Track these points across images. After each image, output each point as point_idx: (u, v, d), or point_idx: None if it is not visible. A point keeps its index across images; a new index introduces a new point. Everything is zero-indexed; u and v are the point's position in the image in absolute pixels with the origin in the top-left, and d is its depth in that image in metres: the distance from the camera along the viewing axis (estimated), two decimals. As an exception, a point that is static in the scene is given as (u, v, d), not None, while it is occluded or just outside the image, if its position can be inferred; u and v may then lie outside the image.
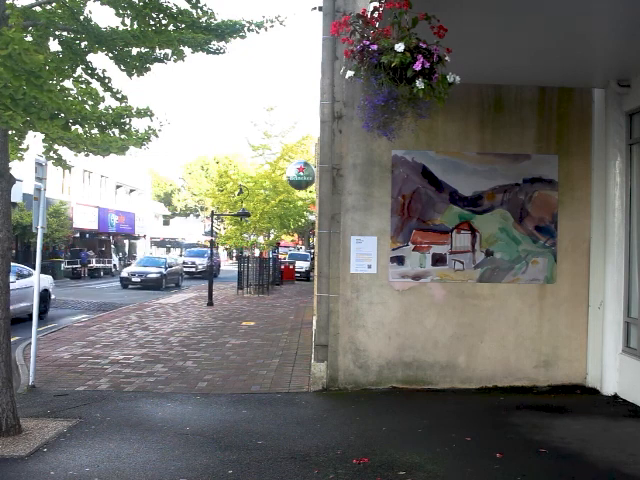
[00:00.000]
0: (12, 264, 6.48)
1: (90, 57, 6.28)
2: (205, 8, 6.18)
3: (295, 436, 5.85)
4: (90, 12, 5.97)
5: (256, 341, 11.74)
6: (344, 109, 7.79)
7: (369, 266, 7.81)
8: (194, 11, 6.13)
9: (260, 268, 25.13)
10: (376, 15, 5.11)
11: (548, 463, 5.23)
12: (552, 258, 7.99)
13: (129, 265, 36.01)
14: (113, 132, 6.23)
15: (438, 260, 7.90)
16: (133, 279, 28.22)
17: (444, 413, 6.77)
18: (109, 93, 6.38)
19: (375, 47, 4.70)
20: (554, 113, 8.02)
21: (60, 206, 33.88)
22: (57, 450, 5.36)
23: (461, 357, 7.87)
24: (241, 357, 10.03)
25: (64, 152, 6.44)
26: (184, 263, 38.15)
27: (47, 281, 15.84)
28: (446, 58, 4.75)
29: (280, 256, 37.06)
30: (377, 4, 5.10)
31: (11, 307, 6.05)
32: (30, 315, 11.43)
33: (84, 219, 38.72)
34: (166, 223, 67.74)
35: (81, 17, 5.87)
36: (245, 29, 6.47)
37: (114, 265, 40.97)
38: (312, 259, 33.50)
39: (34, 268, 8.39)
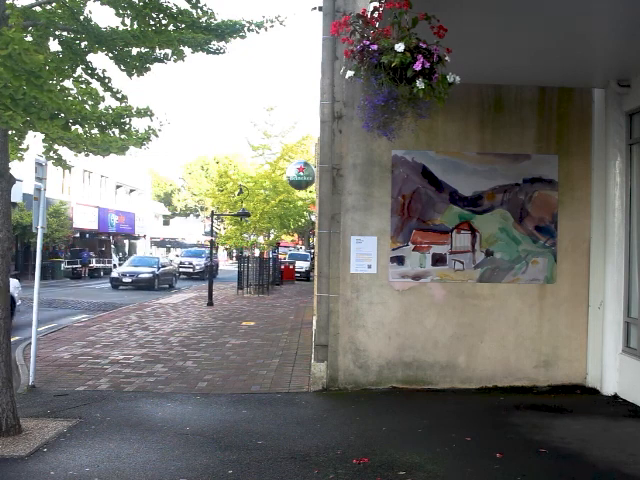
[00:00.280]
0: None
1: (90, 57, 6.29)
2: (205, 8, 6.18)
3: (295, 436, 5.85)
4: (90, 12, 5.97)
5: (256, 341, 11.74)
6: (344, 109, 7.79)
7: (369, 266, 7.81)
8: (194, 11, 6.13)
9: (260, 268, 25.13)
10: (376, 15, 5.11)
11: (548, 463, 5.23)
12: (552, 258, 7.99)
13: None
14: (113, 132, 6.23)
15: (438, 260, 7.90)
16: (124, 279, 27.17)
17: (444, 413, 6.77)
18: (109, 93, 6.38)
19: (375, 47, 4.70)
20: (554, 113, 8.02)
21: (60, 206, 33.88)
22: (57, 450, 5.36)
23: (461, 357, 7.87)
24: (241, 357, 10.03)
25: (64, 152, 6.44)
26: (181, 263, 37.70)
27: (12, 285, 15.29)
28: (446, 58, 4.75)
29: (280, 256, 37.03)
30: (377, 4, 5.10)
31: None
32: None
33: (84, 219, 38.72)
34: (166, 223, 67.75)
35: (81, 17, 5.87)
36: (245, 29, 6.47)
37: (114, 265, 40.85)
38: (312, 259, 33.51)
39: (34, 268, 8.38)
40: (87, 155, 6.30)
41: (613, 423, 6.48)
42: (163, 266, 29.12)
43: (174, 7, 6.00)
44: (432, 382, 7.82)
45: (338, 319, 7.76)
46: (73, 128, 5.87)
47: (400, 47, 4.55)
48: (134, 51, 6.34)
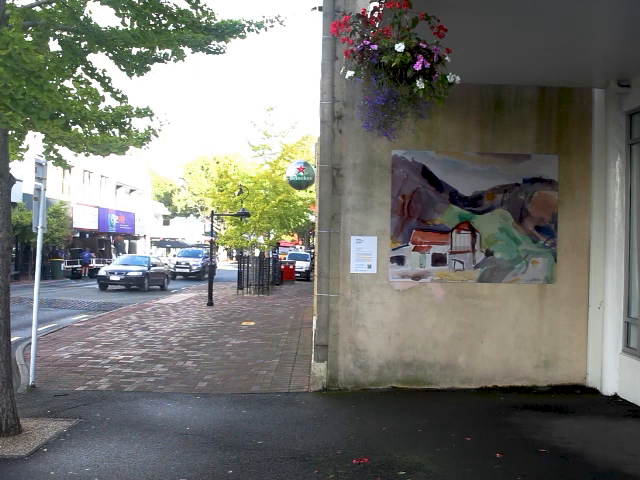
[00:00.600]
0: None
1: (90, 57, 6.29)
2: (205, 8, 6.18)
3: (295, 436, 5.85)
4: (90, 12, 5.97)
5: (256, 341, 11.74)
6: (344, 109, 7.79)
7: (369, 266, 7.81)
8: (194, 11, 6.13)
9: (260, 268, 25.12)
10: (376, 15, 5.12)
11: (548, 463, 5.23)
12: (552, 258, 7.99)
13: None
14: (113, 132, 6.23)
15: (438, 260, 7.90)
16: (112, 277, 25.61)
17: (444, 413, 6.77)
18: (109, 93, 6.38)
19: (375, 47, 4.70)
20: (554, 113, 8.02)
21: (60, 206, 33.88)
22: (57, 450, 5.36)
23: (461, 357, 7.87)
24: (241, 357, 10.03)
25: (64, 152, 6.45)
26: (177, 263, 36.66)
27: None
28: (446, 58, 4.76)
29: (280, 256, 36.98)
30: (377, 4, 5.10)
31: None
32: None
33: (84, 219, 38.70)
34: (166, 223, 67.76)
35: (81, 17, 5.87)
36: (245, 29, 6.47)
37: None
38: (312, 259, 33.50)
39: (34, 268, 8.39)
40: (87, 155, 6.31)
41: (613, 423, 6.48)
42: (154, 265, 27.84)
43: (174, 7, 6.00)
44: (432, 382, 7.82)
45: (338, 319, 7.76)
46: (73, 128, 5.88)
47: (400, 47, 4.55)
48: (134, 51, 6.34)
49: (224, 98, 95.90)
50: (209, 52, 6.52)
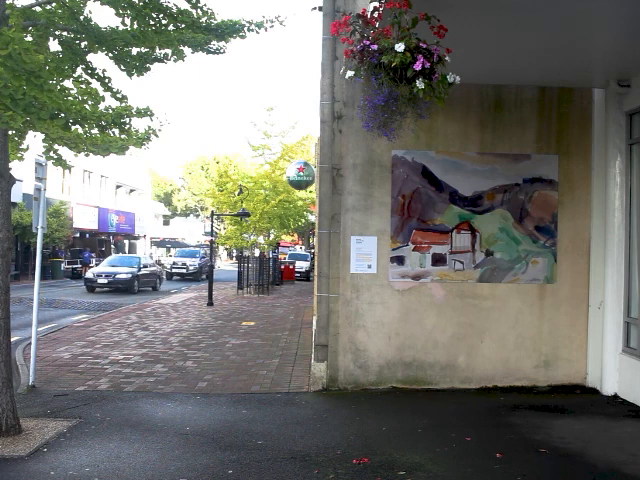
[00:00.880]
0: None
1: (90, 57, 6.29)
2: (205, 8, 6.18)
3: (295, 436, 5.85)
4: (90, 12, 5.97)
5: (256, 341, 11.74)
6: (344, 109, 7.79)
7: (369, 266, 7.81)
8: (194, 11, 6.13)
9: (260, 268, 25.12)
10: (376, 15, 5.12)
11: (548, 463, 5.23)
12: (552, 258, 7.99)
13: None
14: (113, 132, 6.24)
15: (438, 260, 7.90)
16: (99, 280, 24.40)
17: (444, 413, 6.77)
18: (109, 93, 6.38)
19: (375, 47, 4.70)
20: (554, 113, 8.02)
21: (60, 206, 33.88)
22: (57, 450, 5.36)
23: (461, 357, 7.87)
24: (241, 357, 10.03)
25: (64, 152, 6.45)
26: (174, 264, 35.89)
27: None
28: (446, 58, 4.76)
29: (280, 256, 36.95)
30: (377, 4, 5.10)
31: None
32: None
33: (84, 219, 38.69)
34: (166, 223, 67.74)
35: (81, 17, 5.87)
36: (245, 29, 6.47)
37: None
38: (312, 259, 33.48)
39: (34, 268, 8.39)
40: (87, 155, 6.31)
41: (613, 423, 6.48)
42: (145, 266, 26.69)
43: (174, 7, 6.00)
44: (432, 382, 7.82)
45: (338, 319, 7.76)
46: (73, 128, 5.88)
47: (400, 47, 4.55)
48: (134, 51, 6.34)
49: (224, 98, 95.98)
50: (209, 52, 6.52)
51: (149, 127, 6.40)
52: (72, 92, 5.96)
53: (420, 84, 4.61)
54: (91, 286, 24.60)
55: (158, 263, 37.79)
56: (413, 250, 7.89)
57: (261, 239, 31.07)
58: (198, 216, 73.02)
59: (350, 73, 4.97)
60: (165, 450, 5.41)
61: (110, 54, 6.20)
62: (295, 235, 54.96)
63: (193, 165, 68.74)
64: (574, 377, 7.94)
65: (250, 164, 42.14)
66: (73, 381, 8.07)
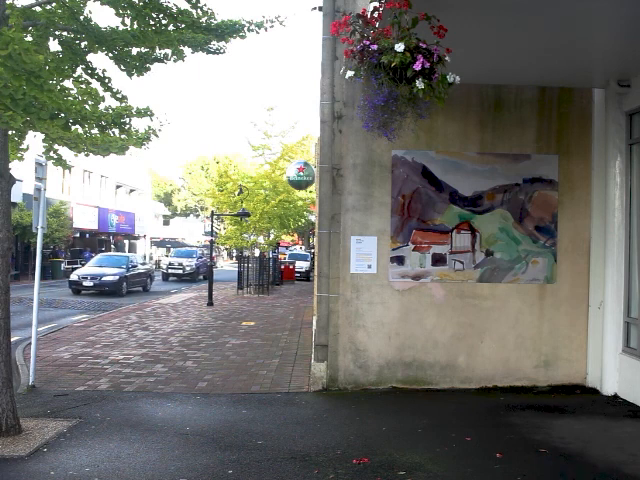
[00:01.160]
0: None
1: (90, 57, 6.29)
2: (205, 8, 6.18)
3: (295, 436, 5.85)
4: (90, 12, 5.97)
5: (256, 341, 11.74)
6: (344, 109, 7.79)
7: (369, 266, 7.81)
8: (194, 11, 6.13)
9: (260, 268, 25.11)
10: (376, 15, 5.12)
11: (548, 463, 5.23)
12: (552, 258, 7.99)
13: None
14: (113, 132, 6.24)
15: (438, 260, 7.90)
16: (85, 283, 22.94)
17: (444, 413, 6.77)
18: (109, 93, 6.38)
19: (375, 47, 4.70)
20: (554, 113, 8.02)
21: (60, 206, 33.87)
22: (57, 450, 5.36)
23: (461, 357, 7.87)
24: (241, 357, 10.03)
25: (64, 152, 6.45)
26: (170, 264, 34.89)
27: None
28: (446, 58, 4.76)
29: (280, 256, 36.91)
30: (377, 4, 5.10)
31: None
32: None
33: (84, 219, 38.68)
34: (166, 223, 67.74)
35: (81, 17, 5.87)
36: (245, 29, 6.47)
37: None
38: (312, 259, 33.47)
39: (34, 268, 8.38)
40: (87, 155, 6.31)
41: (613, 423, 6.48)
42: (134, 266, 25.35)
43: (174, 7, 6.00)
44: (432, 382, 7.82)
45: (338, 319, 7.76)
46: (73, 128, 5.88)
47: (400, 47, 4.55)
48: (134, 51, 6.34)
49: (224, 98, 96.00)
50: (209, 52, 6.52)
51: (149, 127, 6.40)
52: (72, 92, 5.96)
53: (420, 84, 4.61)
54: (76, 289, 23.23)
55: (157, 263, 37.57)
56: (413, 250, 7.88)
57: (261, 239, 31.06)
58: (198, 216, 73.04)
59: (350, 73, 4.97)
60: (165, 450, 5.41)
61: (110, 54, 6.20)
62: (295, 235, 54.96)
63: (193, 165, 68.76)
64: (574, 377, 7.94)
65: (250, 164, 42.15)
66: (73, 381, 8.07)
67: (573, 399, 7.48)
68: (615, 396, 7.52)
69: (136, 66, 6.37)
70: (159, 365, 9.24)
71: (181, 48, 6.36)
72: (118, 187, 47.27)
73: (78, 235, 39.04)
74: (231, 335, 12.50)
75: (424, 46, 4.64)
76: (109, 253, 31.73)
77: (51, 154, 6.35)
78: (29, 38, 5.69)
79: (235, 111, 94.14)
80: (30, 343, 8.74)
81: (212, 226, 22.54)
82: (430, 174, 7.93)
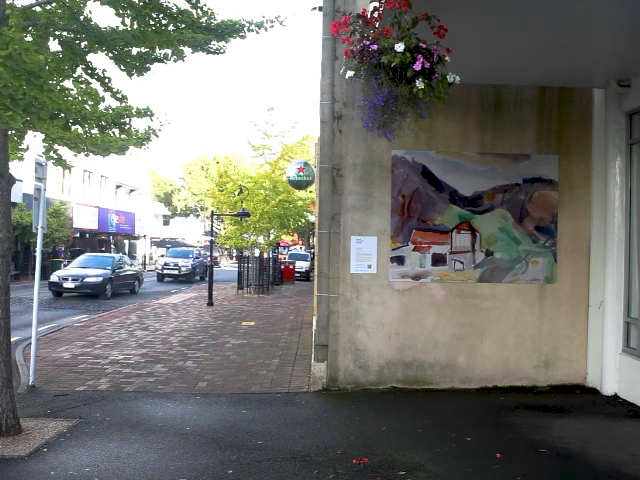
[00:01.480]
0: None
1: (90, 57, 6.29)
2: (205, 8, 6.18)
3: (295, 436, 5.85)
4: (90, 12, 5.97)
5: (256, 341, 11.74)
6: (344, 109, 7.79)
7: (369, 266, 7.81)
8: (194, 11, 6.13)
9: (260, 268, 25.11)
10: (376, 15, 5.12)
11: (548, 463, 5.23)
12: (552, 258, 7.99)
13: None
14: (113, 132, 6.24)
15: (438, 260, 7.90)
16: (65, 284, 21.45)
17: (444, 413, 6.77)
18: (109, 93, 6.38)
19: (375, 47, 4.70)
20: (554, 113, 8.02)
21: (60, 206, 33.87)
22: (57, 450, 5.36)
23: (461, 357, 7.87)
24: (241, 357, 10.03)
25: (64, 152, 6.45)
26: (165, 264, 33.74)
27: None
28: (446, 58, 4.76)
29: (280, 256, 36.89)
30: (377, 4, 5.10)
31: None
32: None
33: (84, 219, 38.69)
34: (166, 223, 67.77)
35: (81, 17, 5.87)
36: (245, 29, 6.47)
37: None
38: (312, 259, 33.46)
39: (34, 268, 8.38)
40: (87, 155, 6.31)
41: (613, 423, 6.48)
42: (121, 267, 23.87)
43: (174, 7, 6.00)
44: (432, 382, 7.81)
45: (338, 319, 7.76)
46: (73, 128, 5.88)
47: (400, 47, 4.55)
48: (134, 51, 6.34)
49: (224, 98, 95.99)
50: (209, 52, 6.52)
51: (149, 127, 6.40)
52: (72, 92, 5.96)
53: (420, 84, 4.61)
54: (57, 291, 21.77)
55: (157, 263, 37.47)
56: (413, 250, 7.88)
57: (261, 239, 31.06)
58: (198, 216, 73.05)
59: (350, 73, 4.97)
60: (165, 450, 5.41)
61: (110, 54, 6.20)
62: (295, 235, 54.96)
63: (193, 165, 68.77)
64: (574, 377, 7.94)
65: (250, 164, 42.18)
66: (73, 381, 8.07)
67: (573, 399, 7.48)
68: (615, 396, 7.52)
69: (136, 66, 6.37)
70: (159, 365, 9.24)
71: (181, 48, 6.36)
72: (118, 187, 47.28)
73: (78, 235, 39.05)
74: (231, 335, 12.49)
75: (424, 46, 4.64)
76: (94, 253, 30.23)
77: (51, 154, 6.35)
78: (29, 38, 5.69)
79: (235, 111, 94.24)
80: (30, 343, 8.73)
81: (212, 226, 22.55)
82: (430, 174, 7.93)
